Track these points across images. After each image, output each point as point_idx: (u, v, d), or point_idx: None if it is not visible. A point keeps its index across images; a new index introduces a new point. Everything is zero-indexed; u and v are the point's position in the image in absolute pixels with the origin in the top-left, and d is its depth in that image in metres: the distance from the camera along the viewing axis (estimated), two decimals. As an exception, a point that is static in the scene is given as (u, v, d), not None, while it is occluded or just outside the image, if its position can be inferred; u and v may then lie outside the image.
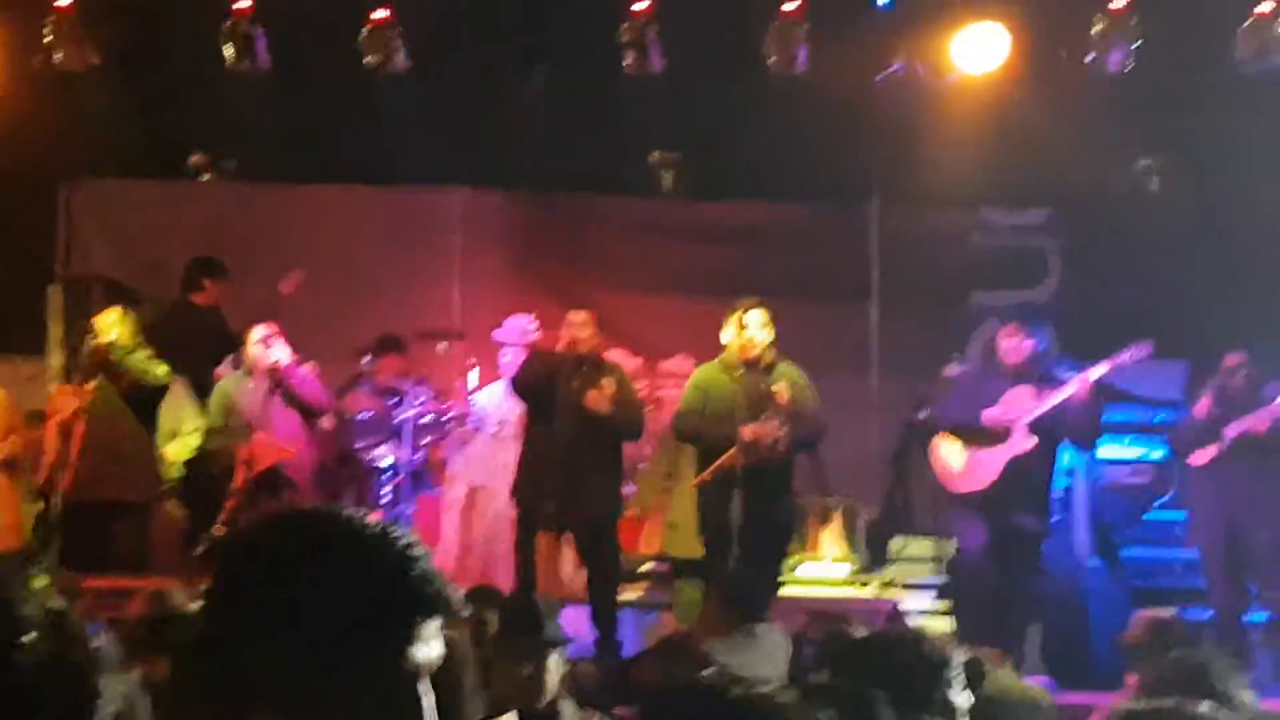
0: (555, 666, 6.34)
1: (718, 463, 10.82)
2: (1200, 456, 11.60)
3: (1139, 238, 14.64)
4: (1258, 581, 11.72)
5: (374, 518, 2.33)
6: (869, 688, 4.23)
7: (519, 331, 12.73)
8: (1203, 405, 11.75)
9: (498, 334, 12.89)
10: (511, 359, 12.54)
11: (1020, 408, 11.15)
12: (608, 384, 11.04)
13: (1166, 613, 8.85)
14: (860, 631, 7.15)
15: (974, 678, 5.03)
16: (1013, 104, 13.39)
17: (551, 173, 14.73)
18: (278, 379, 12.15)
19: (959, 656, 4.81)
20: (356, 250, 14.88)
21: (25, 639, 1.95)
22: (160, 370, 12.06)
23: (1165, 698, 3.54)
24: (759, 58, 13.20)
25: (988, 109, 13.35)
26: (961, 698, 4.68)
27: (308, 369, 12.43)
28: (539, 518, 11.29)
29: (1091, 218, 15.04)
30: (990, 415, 11.22)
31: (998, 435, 11.18)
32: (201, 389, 12.72)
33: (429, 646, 2.26)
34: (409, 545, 2.28)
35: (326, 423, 12.57)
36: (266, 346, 12.17)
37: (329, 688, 2.20)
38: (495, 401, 12.73)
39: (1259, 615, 11.79)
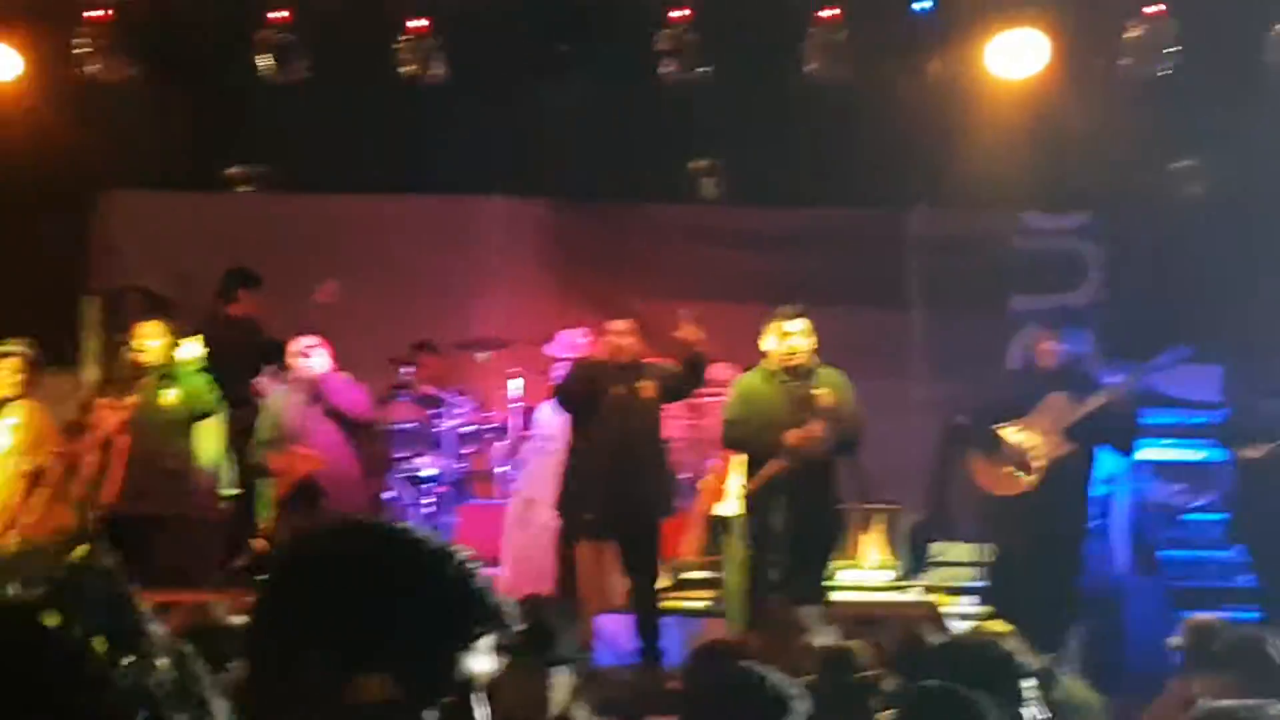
0: (563, 681, 6.31)
1: (763, 472, 10.82)
2: (1252, 452, 11.56)
3: (1179, 240, 14.60)
4: None
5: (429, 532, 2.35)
6: (971, 689, 4.24)
7: (571, 345, 12.74)
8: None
9: (549, 348, 12.89)
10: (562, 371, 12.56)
11: (1058, 411, 11.13)
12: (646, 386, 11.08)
13: (1211, 616, 8.85)
14: (935, 636, 7.14)
15: (1046, 682, 5.04)
16: (1052, 108, 13.37)
17: (592, 181, 14.74)
18: (316, 390, 12.16)
19: (1034, 661, 4.83)
20: (396, 260, 14.90)
21: (160, 663, 1.95)
22: (213, 397, 12.01)
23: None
24: (798, 63, 13.17)
25: (1027, 113, 13.31)
26: (1035, 703, 4.69)
27: (345, 378, 12.44)
28: (581, 527, 11.29)
29: (1132, 221, 15.01)
30: (1029, 419, 11.20)
31: (1036, 440, 11.16)
32: (237, 401, 12.71)
33: (483, 659, 2.29)
34: (465, 559, 2.30)
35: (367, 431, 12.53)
36: (306, 358, 12.18)
37: (384, 697, 2.21)
38: (555, 416, 12.69)
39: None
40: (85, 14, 13.10)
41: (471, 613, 2.28)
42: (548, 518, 12.07)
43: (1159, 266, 14.68)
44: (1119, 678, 11.23)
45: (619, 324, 11.40)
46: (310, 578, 2.30)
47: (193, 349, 11.82)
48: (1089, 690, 7.62)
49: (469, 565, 2.30)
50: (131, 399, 11.71)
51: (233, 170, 15.38)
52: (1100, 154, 13.62)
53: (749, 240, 15.15)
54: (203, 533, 12.16)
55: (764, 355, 11.19)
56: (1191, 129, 14.01)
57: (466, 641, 2.27)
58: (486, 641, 2.29)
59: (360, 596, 2.24)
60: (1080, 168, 14.03)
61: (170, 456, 11.86)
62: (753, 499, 11.01)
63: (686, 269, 15.03)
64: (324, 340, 12.27)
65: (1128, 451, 12.03)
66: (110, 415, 11.74)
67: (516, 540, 12.48)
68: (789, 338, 10.96)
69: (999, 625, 7.29)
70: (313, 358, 12.17)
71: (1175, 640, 8.62)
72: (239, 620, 7.68)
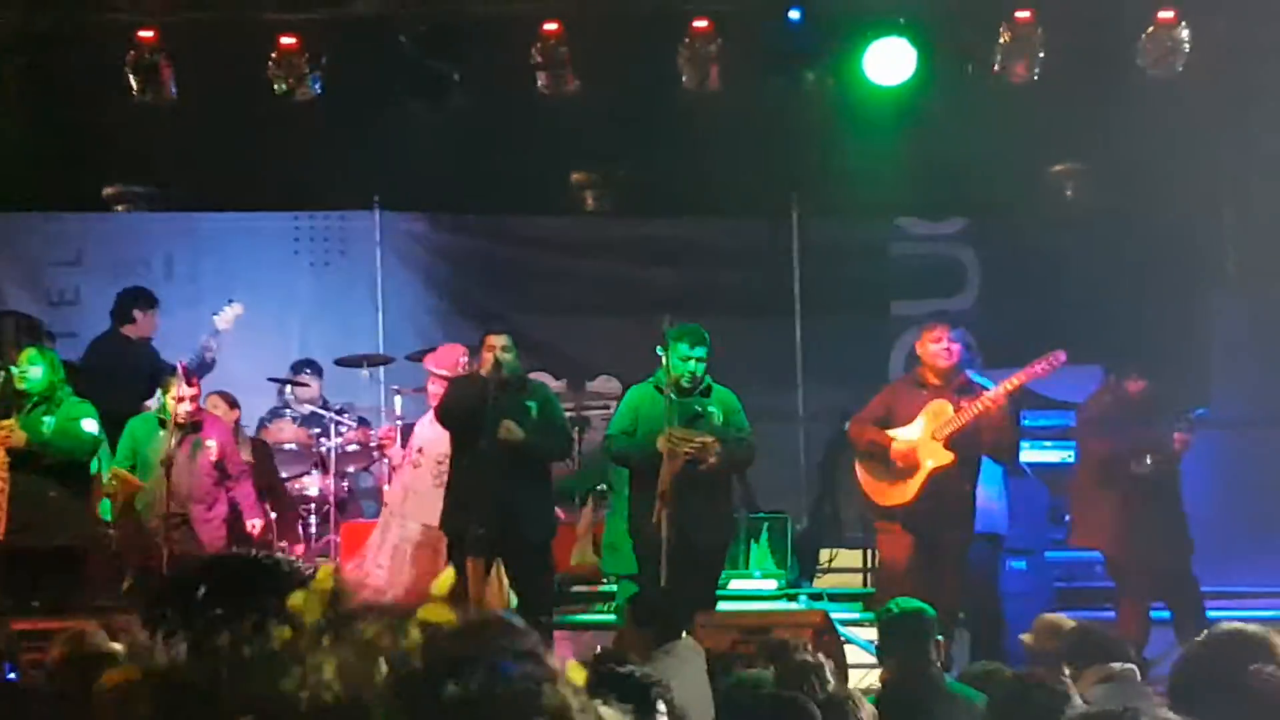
0: None
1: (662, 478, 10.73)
2: (1137, 467, 11.67)
3: (1054, 245, 14.74)
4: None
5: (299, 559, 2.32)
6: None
7: (453, 361, 12.63)
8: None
9: (430, 362, 12.77)
10: (441, 387, 12.47)
11: (940, 419, 11.15)
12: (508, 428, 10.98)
13: (1060, 616, 9.01)
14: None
15: None
16: (926, 115, 13.45)
17: (471, 194, 14.70)
18: (187, 432, 11.92)
19: None
20: (274, 278, 14.80)
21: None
22: (86, 425, 11.69)
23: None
24: (675, 74, 13.20)
25: (902, 121, 13.40)
26: None
27: (228, 429, 12.29)
28: (469, 544, 11.21)
29: (1008, 226, 15.16)
30: (910, 428, 11.22)
31: (917, 448, 11.18)
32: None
33: None
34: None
35: (242, 477, 12.29)
36: (179, 397, 11.87)
37: None
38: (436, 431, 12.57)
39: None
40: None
41: None
42: (413, 531, 12.01)
43: (1035, 270, 14.80)
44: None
45: (498, 338, 11.32)
46: (170, 608, 2.25)
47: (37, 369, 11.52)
48: (972, 690, 7.70)
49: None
50: (10, 424, 11.43)
51: (110, 190, 15.21)
52: (976, 160, 13.72)
53: (630, 252, 15.17)
54: (91, 561, 11.95)
55: (659, 368, 11.09)
56: (1064, 134, 14.13)
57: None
58: None
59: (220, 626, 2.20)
60: (956, 174, 14.12)
61: (53, 484, 11.60)
62: (638, 510, 10.99)
63: (569, 282, 15.02)
64: (194, 382, 12.03)
65: (1010, 462, 12.08)
66: None
67: (374, 555, 12.35)
68: (689, 362, 10.93)
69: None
70: (184, 398, 11.86)
71: (1026, 637, 8.83)
72: (118, 646, 7.60)
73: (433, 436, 12.07)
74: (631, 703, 4.16)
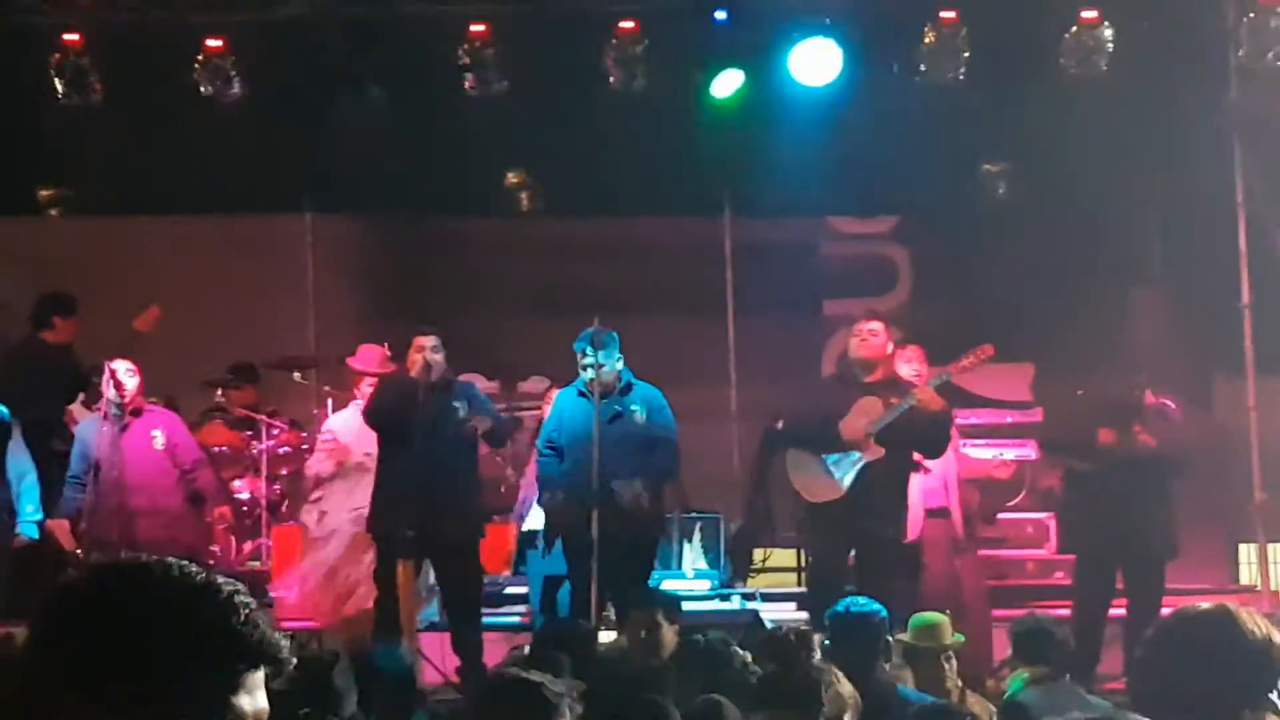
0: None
1: None
2: (1078, 464, 11.68)
3: (984, 242, 14.81)
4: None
5: (197, 569, 2.30)
6: None
7: (377, 359, 12.61)
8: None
9: (353, 362, 12.74)
10: (370, 387, 12.47)
11: (870, 415, 11.16)
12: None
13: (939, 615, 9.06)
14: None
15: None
16: (854, 114, 13.51)
17: (400, 196, 14.68)
18: (128, 421, 11.87)
19: None
20: (207, 281, 14.75)
21: None
22: None
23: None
24: (602, 75, 13.22)
25: (830, 120, 13.45)
26: None
27: (173, 415, 12.23)
28: (397, 546, 11.20)
29: (938, 224, 15.22)
30: (841, 425, 11.22)
31: (847, 445, 11.19)
32: (50, 429, 12.48)
33: (254, 697, 2.26)
34: (233, 594, 2.27)
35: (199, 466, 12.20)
36: (119, 385, 11.84)
37: None
38: (354, 429, 12.55)
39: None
40: None
41: (239, 649, 2.25)
42: (345, 532, 12.02)
43: (965, 268, 14.87)
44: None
45: (427, 338, 11.31)
46: (70, 622, 2.26)
47: None
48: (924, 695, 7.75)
49: (238, 600, 2.26)
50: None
51: (44, 193, 15.15)
52: (904, 159, 13.78)
53: (561, 252, 15.18)
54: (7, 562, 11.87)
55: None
56: (992, 133, 14.21)
57: (234, 678, 2.24)
58: (257, 678, 2.27)
59: (120, 640, 2.22)
60: (886, 173, 14.18)
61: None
62: (566, 511, 11.04)
63: (500, 282, 15.02)
64: (135, 366, 12.03)
65: (937, 456, 12.11)
66: None
67: (316, 557, 12.32)
68: (585, 370, 11.02)
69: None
70: (125, 385, 11.85)
71: (904, 636, 8.88)
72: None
73: (346, 433, 12.13)
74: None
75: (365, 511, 11.52)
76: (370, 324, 14.52)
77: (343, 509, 12.18)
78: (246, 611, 2.27)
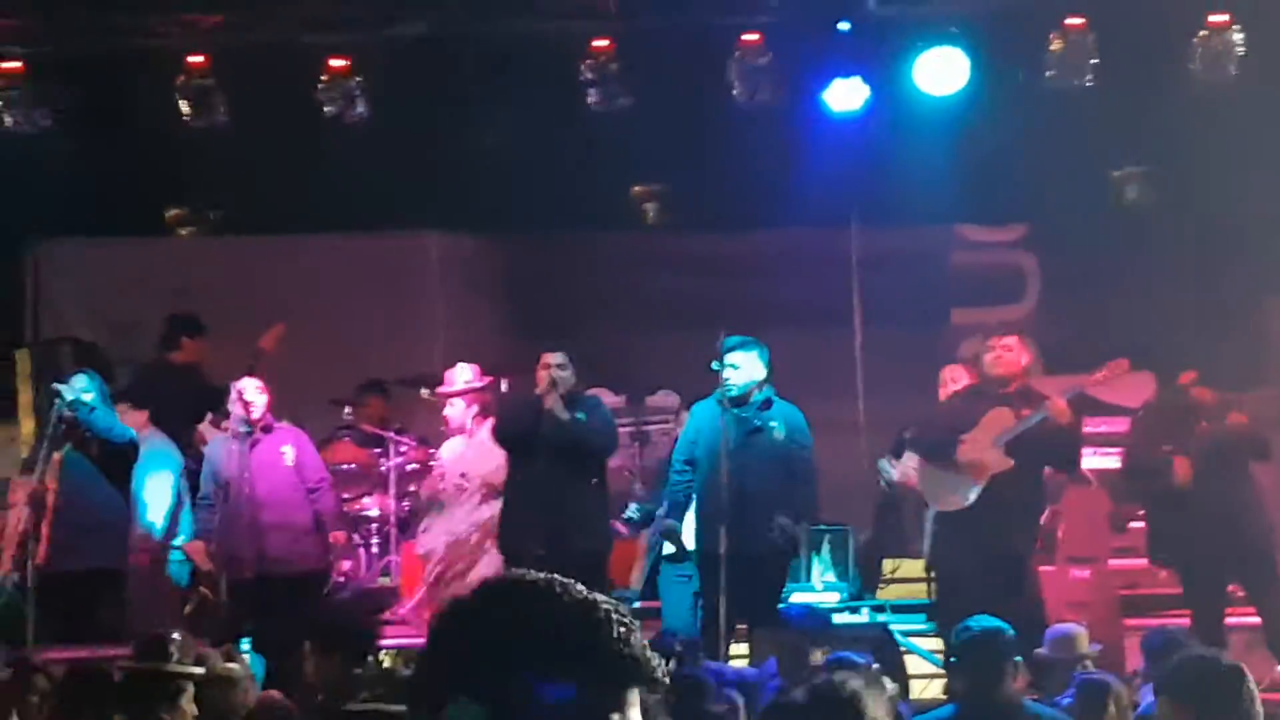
0: None
1: None
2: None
3: (1114, 249, 14.63)
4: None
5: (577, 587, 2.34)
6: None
7: (459, 379, 12.70)
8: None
9: (441, 388, 12.85)
10: (457, 410, 12.52)
11: (999, 427, 11.04)
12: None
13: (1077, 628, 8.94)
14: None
15: None
16: (981, 123, 13.41)
17: (525, 212, 14.69)
18: (258, 437, 11.96)
19: None
20: (334, 300, 14.86)
21: None
22: (125, 427, 11.78)
23: None
24: (725, 87, 13.20)
25: (956, 128, 13.35)
26: None
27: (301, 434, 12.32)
28: (527, 563, 11.17)
29: (1066, 232, 15.04)
30: (964, 440, 11.10)
31: (963, 466, 11.07)
32: (181, 449, 12.61)
33: (631, 713, 2.30)
34: (612, 612, 2.31)
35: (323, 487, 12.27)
36: (245, 403, 11.94)
37: None
38: (455, 452, 12.60)
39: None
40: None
41: (618, 669, 2.29)
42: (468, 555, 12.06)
43: (1096, 275, 14.70)
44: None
45: (554, 356, 11.32)
46: (464, 634, 2.32)
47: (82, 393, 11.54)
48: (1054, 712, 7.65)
49: (615, 619, 2.30)
50: (58, 455, 11.48)
51: (173, 213, 15.31)
52: (1033, 166, 13.68)
53: (689, 266, 15.14)
54: (139, 585, 11.99)
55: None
56: (1122, 138, 14.05)
57: (615, 698, 2.29)
58: (634, 697, 2.31)
59: (513, 655, 2.27)
60: (1015, 180, 14.07)
61: (100, 507, 11.64)
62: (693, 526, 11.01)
63: (627, 297, 15.01)
64: (263, 384, 12.12)
65: (1071, 470, 11.97)
66: (20, 494, 11.53)
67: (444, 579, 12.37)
68: (724, 370, 10.92)
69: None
70: (254, 404, 11.95)
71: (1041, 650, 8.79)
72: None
73: (461, 454, 12.21)
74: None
75: (461, 533, 11.68)
76: (497, 341, 14.56)
77: (440, 532, 12.28)
78: (626, 630, 2.29)
